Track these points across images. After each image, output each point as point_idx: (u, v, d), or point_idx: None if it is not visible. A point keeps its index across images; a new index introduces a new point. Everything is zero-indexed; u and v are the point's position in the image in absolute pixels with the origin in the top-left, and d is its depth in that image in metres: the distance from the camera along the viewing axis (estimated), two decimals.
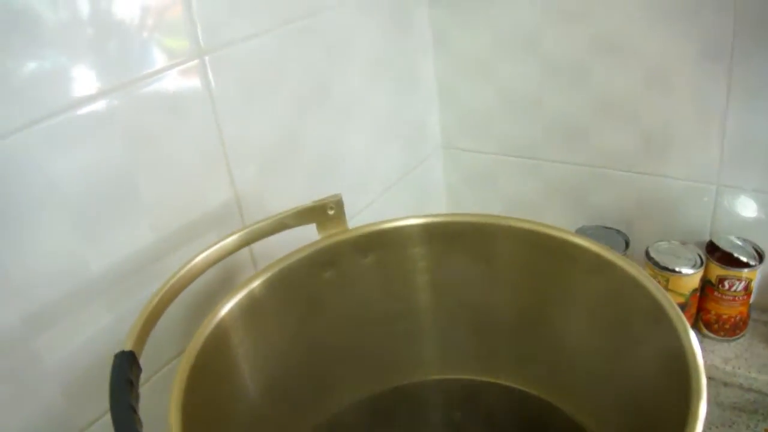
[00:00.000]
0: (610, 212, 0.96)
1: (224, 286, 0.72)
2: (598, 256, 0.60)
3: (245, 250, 0.71)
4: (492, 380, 0.72)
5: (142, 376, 0.59)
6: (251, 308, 0.60)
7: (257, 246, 0.67)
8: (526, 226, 0.65)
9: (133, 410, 0.43)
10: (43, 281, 0.56)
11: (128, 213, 0.62)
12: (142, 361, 0.52)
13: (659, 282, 0.83)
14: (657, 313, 0.53)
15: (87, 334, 0.60)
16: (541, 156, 0.99)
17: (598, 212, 0.98)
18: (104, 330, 0.61)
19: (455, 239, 0.68)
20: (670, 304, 0.53)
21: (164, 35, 0.61)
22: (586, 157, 0.95)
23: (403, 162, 1.00)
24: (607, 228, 0.93)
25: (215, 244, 0.60)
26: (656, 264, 0.85)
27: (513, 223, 0.65)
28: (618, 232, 0.92)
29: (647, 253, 0.87)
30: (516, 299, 0.69)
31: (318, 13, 0.78)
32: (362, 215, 0.92)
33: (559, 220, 0.98)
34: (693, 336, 0.50)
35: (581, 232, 0.92)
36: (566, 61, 0.90)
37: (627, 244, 0.89)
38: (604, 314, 0.62)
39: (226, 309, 0.58)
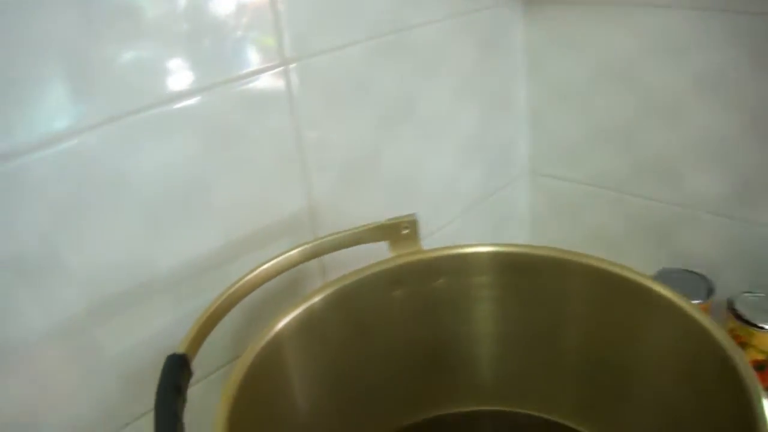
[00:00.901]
0: (695, 256, 0.92)
1: (290, 292, 0.73)
2: (672, 304, 0.57)
3: (315, 262, 0.72)
4: (549, 417, 0.70)
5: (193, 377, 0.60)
6: (309, 323, 0.60)
7: (329, 255, 0.67)
8: (602, 265, 0.62)
9: (177, 417, 0.43)
10: (110, 273, 0.58)
11: (200, 214, 0.63)
12: (195, 362, 0.53)
13: (740, 337, 0.79)
14: (728, 372, 0.50)
15: (149, 330, 0.61)
16: (628, 191, 0.96)
17: (682, 255, 0.94)
18: (167, 326, 0.62)
19: (526, 272, 0.66)
20: (744, 363, 0.50)
21: (251, 41, 0.62)
22: (674, 196, 0.91)
23: (485, 185, 0.99)
24: (690, 272, 0.88)
25: (279, 255, 0.60)
26: (739, 317, 0.80)
27: (588, 261, 0.63)
28: (702, 277, 0.87)
29: (731, 304, 0.82)
30: (582, 339, 0.67)
31: (410, 28, 0.77)
32: (438, 235, 0.91)
33: (641, 259, 0.95)
34: (765, 402, 0.47)
35: (663, 274, 0.88)
36: (663, 96, 0.87)
37: (710, 292, 0.85)
38: (673, 365, 0.59)
39: (283, 323, 0.58)
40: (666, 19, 0.83)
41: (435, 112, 0.85)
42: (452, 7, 0.83)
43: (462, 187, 0.94)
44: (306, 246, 0.62)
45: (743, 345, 0.79)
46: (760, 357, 0.80)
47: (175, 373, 0.47)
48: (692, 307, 0.56)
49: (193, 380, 0.58)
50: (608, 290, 0.63)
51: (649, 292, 0.59)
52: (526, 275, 0.67)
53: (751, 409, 0.47)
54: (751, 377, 0.49)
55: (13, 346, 0.53)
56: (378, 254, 0.66)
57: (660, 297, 0.58)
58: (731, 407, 0.50)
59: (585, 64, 0.93)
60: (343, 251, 0.66)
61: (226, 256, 0.66)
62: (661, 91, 0.87)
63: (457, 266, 0.67)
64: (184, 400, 0.46)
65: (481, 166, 0.96)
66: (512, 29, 0.94)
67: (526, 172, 1.06)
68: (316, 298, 0.61)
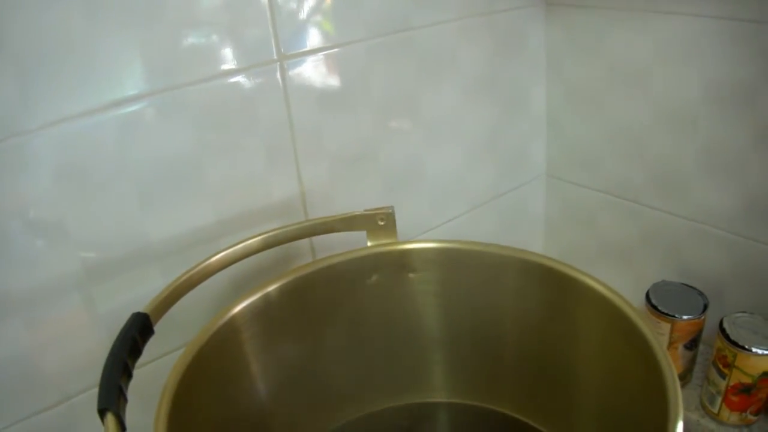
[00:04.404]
0: (702, 272, 0.98)
1: (281, 269, 0.82)
2: (604, 298, 0.65)
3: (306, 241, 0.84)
4: (495, 408, 0.80)
5: (170, 345, 0.74)
6: (266, 311, 0.71)
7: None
8: (538, 260, 0.71)
9: (125, 365, 0.55)
10: (106, 240, 0.71)
11: (193, 193, 0.75)
12: (174, 332, 0.70)
13: (726, 357, 0.84)
14: (652, 364, 0.57)
15: (139, 292, 0.74)
16: (641, 201, 1.02)
17: (689, 269, 1.00)
18: (156, 292, 0.71)
19: (469, 267, 0.75)
20: (666, 359, 0.56)
21: (246, 36, 0.73)
22: (685, 209, 0.97)
23: (496, 185, 1.07)
24: (688, 287, 0.94)
25: (241, 242, 0.71)
26: (726, 336, 0.85)
27: (526, 257, 0.72)
28: (700, 293, 0.93)
29: (720, 323, 0.87)
30: (523, 331, 0.76)
31: (416, 28, 0.86)
32: (441, 229, 1.01)
33: (647, 270, 1.02)
34: (678, 390, 0.53)
35: (660, 285, 0.94)
36: (675, 105, 0.93)
37: (705, 308, 0.90)
38: (605, 355, 0.67)
39: (238, 308, 0.68)
40: (682, 26, 0.89)
41: (442, 110, 0.94)
42: (469, 8, 0.91)
43: (470, 185, 1.03)
44: (270, 233, 0.73)
45: (729, 366, 0.85)
46: (747, 380, 0.85)
47: (134, 328, 0.58)
48: (623, 300, 0.64)
49: (167, 349, 0.73)
50: (545, 284, 0.72)
51: (581, 284, 0.67)
52: (469, 270, 0.76)
53: (665, 395, 0.54)
54: (669, 369, 0.56)
55: (19, 294, 0.67)
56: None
57: (590, 289, 0.66)
58: (651, 392, 0.56)
59: (603, 68, 0.99)
60: (336, 235, 0.76)
61: (216, 233, 0.78)
62: (673, 99, 0.93)
63: (399, 261, 0.77)
64: (138, 353, 0.58)
65: (492, 166, 1.04)
66: (533, 31, 1.01)
67: (541, 175, 1.13)
68: (273, 287, 0.71)
